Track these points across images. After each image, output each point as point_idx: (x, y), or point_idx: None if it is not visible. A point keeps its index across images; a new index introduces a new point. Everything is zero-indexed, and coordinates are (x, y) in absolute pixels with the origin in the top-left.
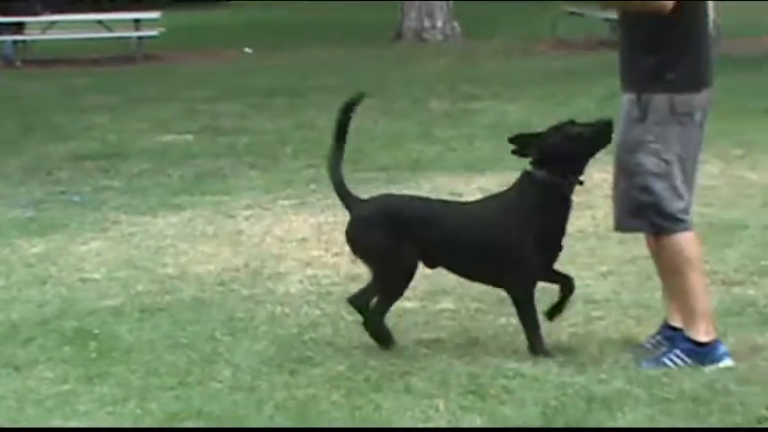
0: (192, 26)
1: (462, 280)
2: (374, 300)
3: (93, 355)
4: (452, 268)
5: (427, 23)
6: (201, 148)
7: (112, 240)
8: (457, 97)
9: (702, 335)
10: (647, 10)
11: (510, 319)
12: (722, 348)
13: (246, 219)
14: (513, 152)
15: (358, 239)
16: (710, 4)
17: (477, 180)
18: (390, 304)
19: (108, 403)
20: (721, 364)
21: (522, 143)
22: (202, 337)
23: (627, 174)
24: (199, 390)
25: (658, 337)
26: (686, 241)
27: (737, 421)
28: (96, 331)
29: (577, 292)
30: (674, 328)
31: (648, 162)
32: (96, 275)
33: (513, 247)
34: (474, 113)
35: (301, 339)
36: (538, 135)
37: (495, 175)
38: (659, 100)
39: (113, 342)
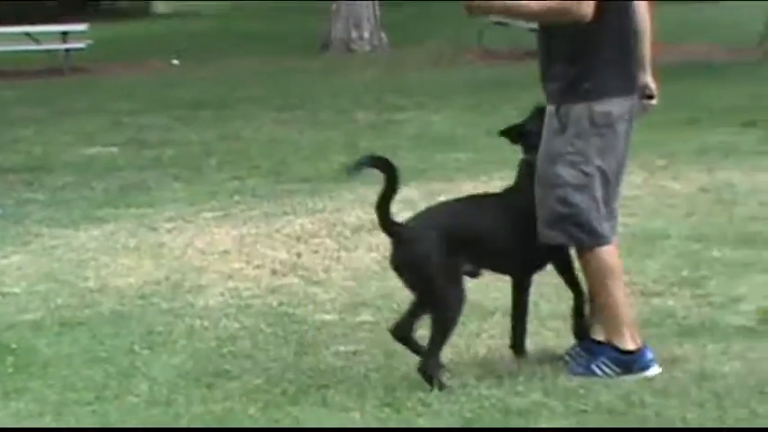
0: (119, 38)
1: (382, 292)
2: (415, 329)
3: (10, 369)
4: (497, 267)
5: (354, 34)
6: (126, 160)
7: (34, 254)
8: (383, 108)
9: (629, 343)
10: (568, 19)
11: (428, 330)
12: (649, 355)
13: (169, 231)
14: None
15: (414, 265)
16: (642, 5)
17: (401, 191)
18: (448, 336)
19: (24, 418)
20: (649, 372)
21: (511, 134)
22: (121, 351)
23: (546, 185)
24: (115, 404)
25: (577, 349)
26: (607, 253)
27: None
28: (14, 346)
29: (497, 303)
30: (597, 342)
31: (567, 174)
32: (16, 289)
33: None
34: (399, 124)
35: (219, 353)
36: (521, 124)
37: (418, 186)
38: (578, 111)
39: (31, 356)
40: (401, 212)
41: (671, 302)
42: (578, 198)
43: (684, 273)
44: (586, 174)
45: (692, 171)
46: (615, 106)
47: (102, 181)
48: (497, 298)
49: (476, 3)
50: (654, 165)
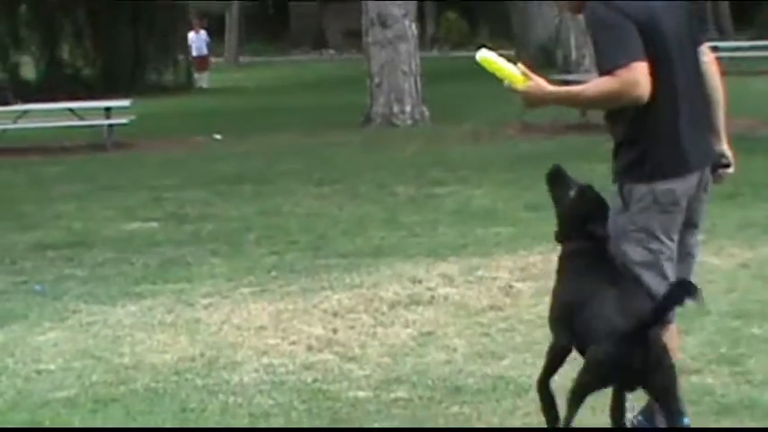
0: (162, 113)
1: (418, 369)
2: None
3: None
4: None
5: (396, 108)
6: (166, 235)
7: (71, 330)
8: (423, 182)
9: None
10: (624, 103)
11: (463, 407)
12: None
13: (206, 307)
14: None
15: None
16: (715, 77)
17: (439, 266)
18: None
19: None
20: None
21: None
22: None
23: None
24: None
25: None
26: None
27: None
28: (48, 423)
29: (531, 380)
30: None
31: (633, 252)
32: (52, 366)
33: None
34: (439, 198)
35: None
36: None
37: (458, 261)
38: (640, 190)
39: None
40: (439, 287)
41: (710, 380)
42: (647, 275)
43: (723, 350)
44: (651, 251)
45: (733, 246)
46: (677, 184)
47: (141, 256)
48: (531, 375)
49: (534, 98)
50: None
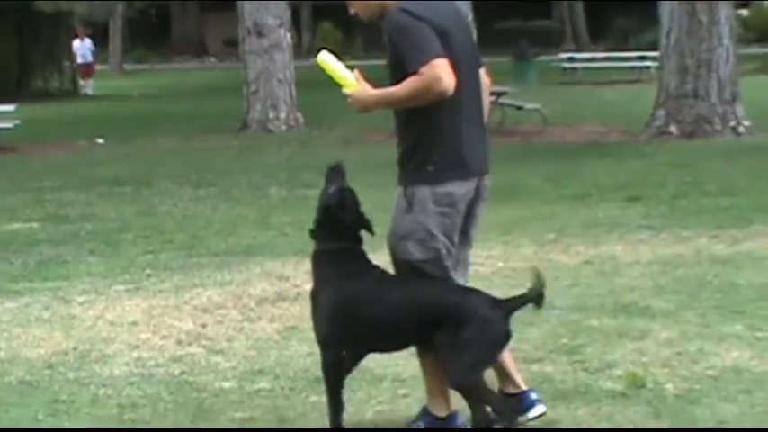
0: (47, 119)
1: (281, 361)
2: None
3: None
4: None
5: (272, 114)
6: (46, 235)
7: None
8: (295, 185)
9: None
10: (433, 97)
11: (322, 397)
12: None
13: (81, 304)
14: None
15: None
16: (483, 92)
17: (306, 264)
18: None
19: None
20: None
21: None
22: (26, 419)
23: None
24: None
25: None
26: None
27: None
28: None
29: (386, 371)
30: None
31: (417, 251)
32: None
33: None
34: (310, 200)
35: (120, 419)
36: None
37: None
38: (422, 192)
39: None
40: (305, 284)
41: (549, 368)
42: (431, 269)
43: (564, 340)
44: (435, 249)
45: (580, 244)
46: (456, 188)
47: (20, 255)
48: (386, 365)
49: (360, 101)
50: (544, 238)
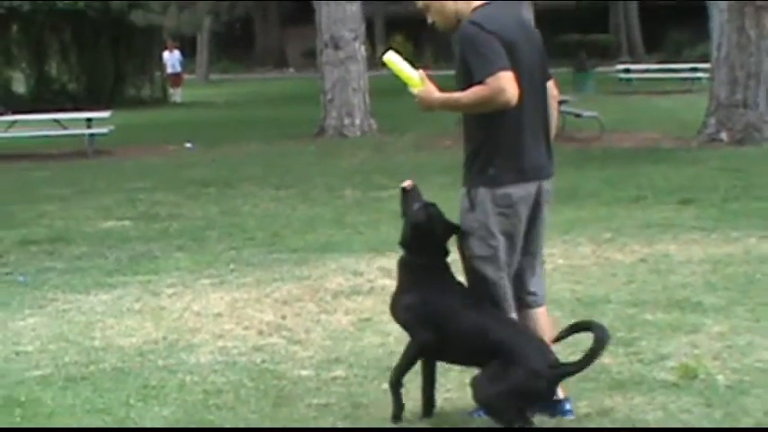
0: (139, 124)
1: (356, 351)
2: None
3: (18, 419)
4: None
5: (347, 121)
6: (137, 232)
7: (48, 316)
8: (369, 187)
9: None
10: (495, 107)
11: None
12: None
13: (170, 296)
14: None
15: None
16: (551, 102)
17: (379, 260)
18: None
19: None
20: None
21: None
22: (118, 403)
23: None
24: None
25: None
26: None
27: None
28: (23, 399)
29: None
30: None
31: (477, 247)
32: (29, 348)
33: None
34: (382, 201)
35: (206, 405)
36: None
37: (396, 256)
38: (483, 194)
39: (37, 408)
40: (377, 279)
41: (607, 360)
42: (488, 269)
43: (620, 333)
44: (492, 247)
45: (635, 244)
46: (515, 190)
47: (114, 251)
48: None
49: (424, 101)
50: (601, 238)
